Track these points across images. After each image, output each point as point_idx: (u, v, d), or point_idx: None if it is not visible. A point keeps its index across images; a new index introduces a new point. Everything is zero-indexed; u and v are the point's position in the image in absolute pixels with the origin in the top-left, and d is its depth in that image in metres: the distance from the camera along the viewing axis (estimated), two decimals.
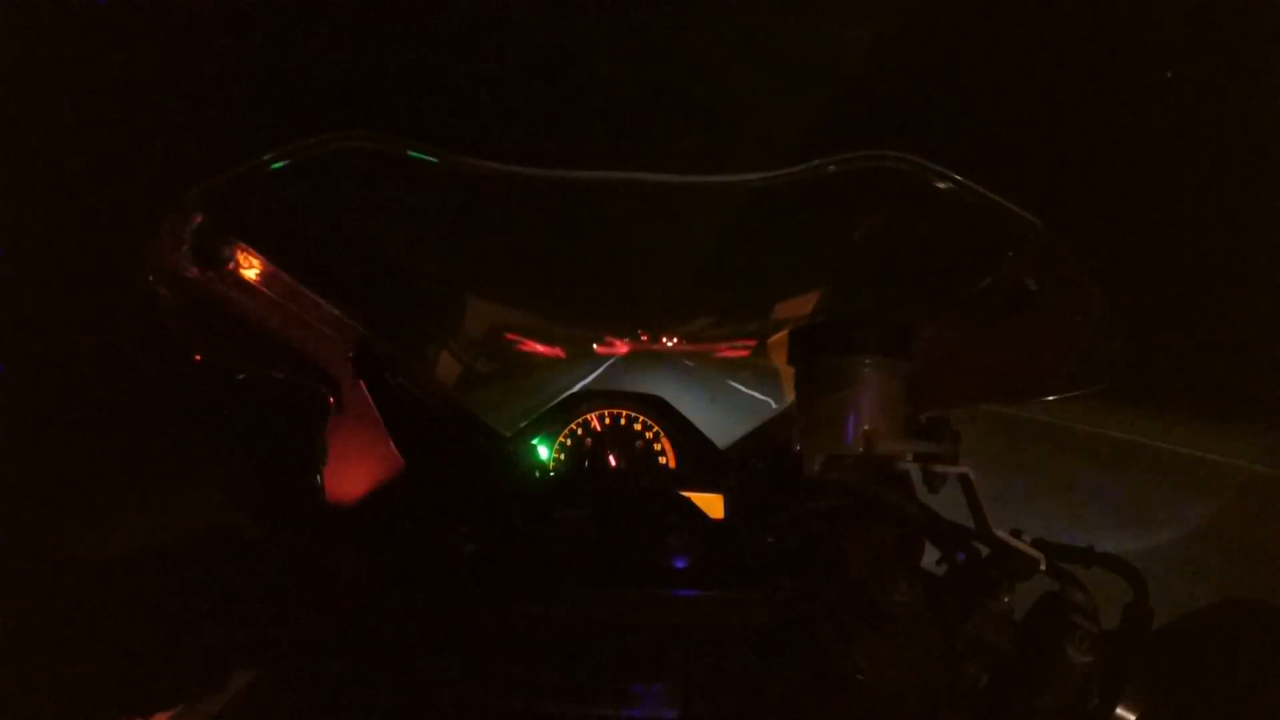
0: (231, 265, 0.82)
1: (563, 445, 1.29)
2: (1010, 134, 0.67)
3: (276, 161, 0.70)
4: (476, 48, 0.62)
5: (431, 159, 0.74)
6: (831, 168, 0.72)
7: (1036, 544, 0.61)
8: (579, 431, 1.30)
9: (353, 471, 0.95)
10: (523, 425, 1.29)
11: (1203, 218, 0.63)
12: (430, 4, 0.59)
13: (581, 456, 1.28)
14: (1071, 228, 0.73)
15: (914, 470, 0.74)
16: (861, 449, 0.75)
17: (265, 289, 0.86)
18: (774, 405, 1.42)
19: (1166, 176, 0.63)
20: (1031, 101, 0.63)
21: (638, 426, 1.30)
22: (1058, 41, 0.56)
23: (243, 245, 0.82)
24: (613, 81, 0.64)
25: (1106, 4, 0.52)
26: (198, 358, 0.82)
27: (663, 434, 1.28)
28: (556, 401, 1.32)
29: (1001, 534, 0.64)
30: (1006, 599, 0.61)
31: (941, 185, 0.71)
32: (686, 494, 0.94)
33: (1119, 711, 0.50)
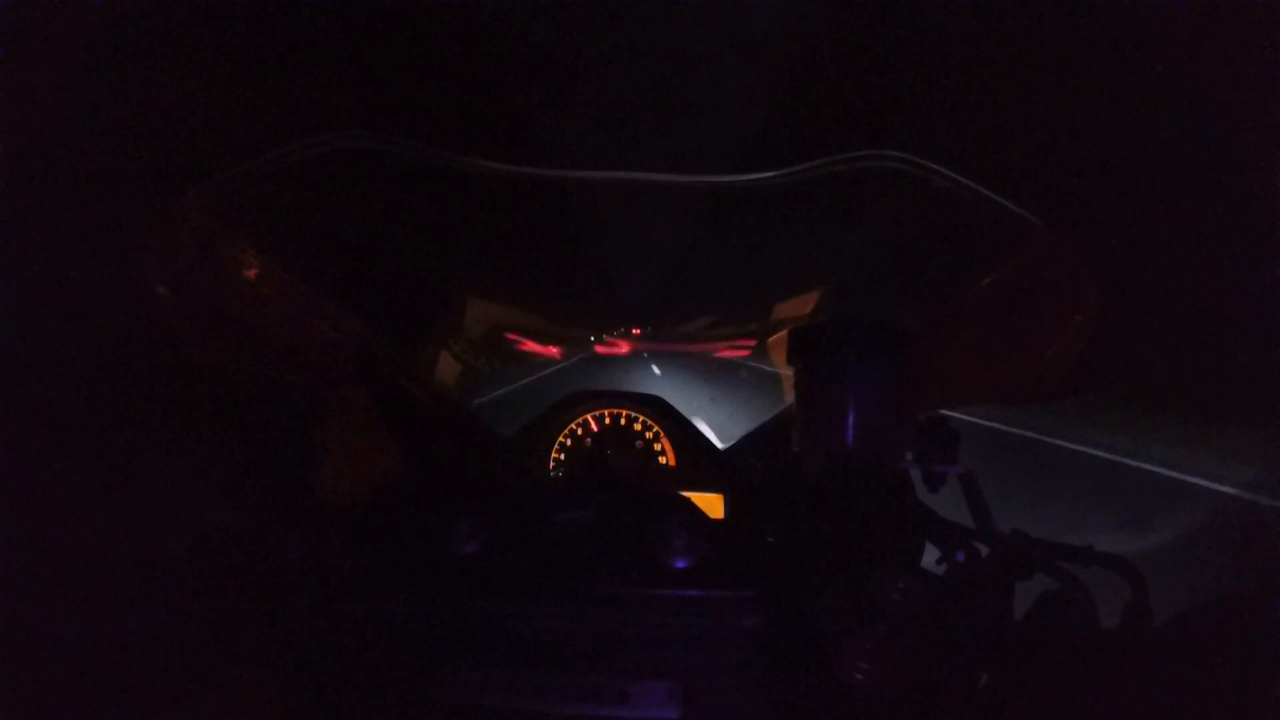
0: (231, 265, 0.82)
1: (563, 445, 1.29)
2: (1010, 134, 0.67)
3: (276, 161, 0.70)
4: (476, 47, 0.62)
5: (432, 159, 0.74)
6: (832, 167, 0.72)
7: (1036, 544, 0.61)
8: (579, 431, 1.30)
9: (353, 471, 0.95)
10: (523, 425, 1.29)
11: (1205, 219, 0.63)
12: (429, 4, 0.59)
13: (581, 456, 1.28)
14: (1071, 228, 0.73)
15: (914, 470, 0.74)
16: (861, 449, 0.75)
17: (265, 289, 0.86)
18: (774, 405, 1.42)
19: (1168, 177, 0.63)
20: (1033, 102, 0.63)
21: (637, 426, 1.30)
22: (1058, 41, 0.56)
23: (243, 245, 0.82)
24: (611, 79, 0.65)
25: (1109, 6, 0.52)
26: (198, 358, 0.82)
27: (663, 434, 1.28)
28: (556, 401, 1.31)
29: (1001, 533, 0.64)
30: (1006, 599, 0.61)
31: (942, 185, 0.71)
32: (686, 494, 0.94)
33: (1117, 710, 0.50)
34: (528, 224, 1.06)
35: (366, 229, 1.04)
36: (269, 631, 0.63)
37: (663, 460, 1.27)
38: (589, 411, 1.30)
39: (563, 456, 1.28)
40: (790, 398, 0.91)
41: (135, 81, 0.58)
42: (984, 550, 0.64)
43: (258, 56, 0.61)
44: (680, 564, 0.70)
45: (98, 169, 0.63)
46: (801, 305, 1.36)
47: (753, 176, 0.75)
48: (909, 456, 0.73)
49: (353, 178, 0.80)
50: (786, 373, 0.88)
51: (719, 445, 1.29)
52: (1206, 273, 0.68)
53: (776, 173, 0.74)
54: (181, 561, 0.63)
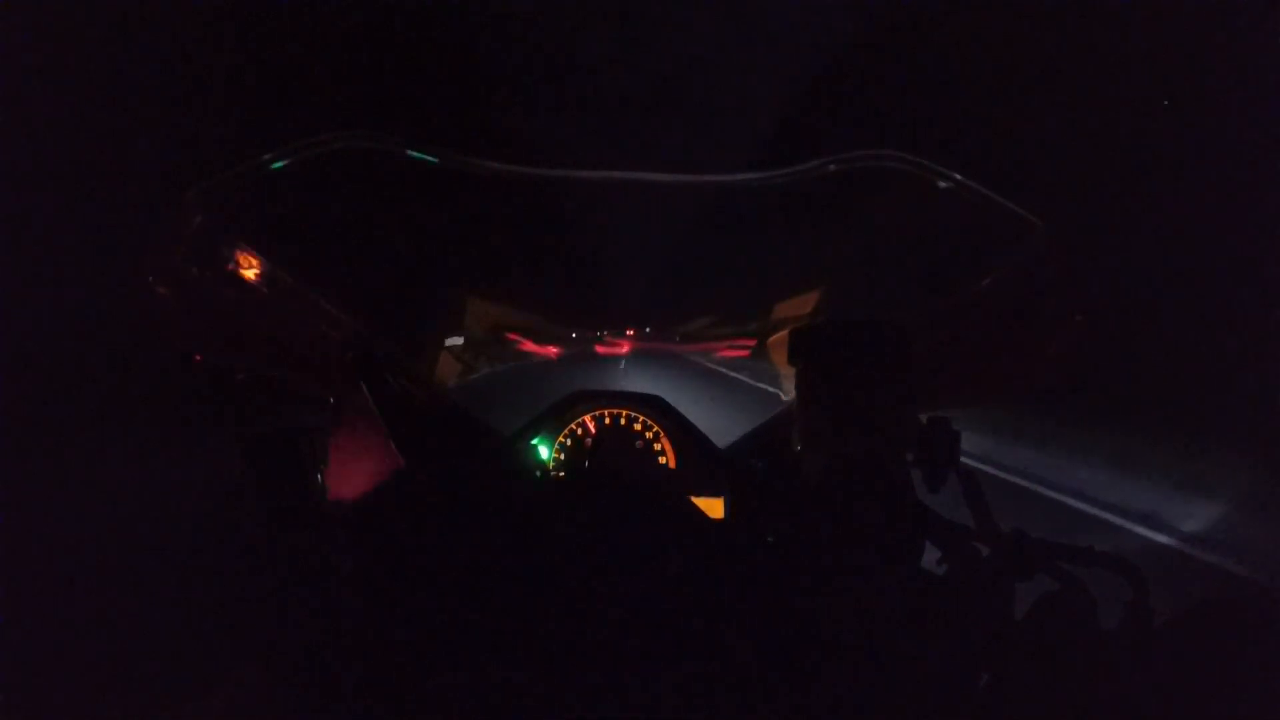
0: (231, 265, 0.82)
1: (562, 445, 1.29)
2: (1010, 134, 0.67)
3: (276, 161, 0.70)
4: (476, 48, 0.62)
5: (431, 159, 0.74)
6: (832, 167, 0.72)
7: (1036, 544, 0.61)
8: (579, 431, 1.30)
9: (353, 471, 0.95)
10: (522, 425, 1.29)
11: (1205, 219, 0.63)
12: (430, 5, 0.59)
13: (581, 456, 1.28)
14: (1071, 228, 0.73)
15: (914, 470, 0.74)
16: (861, 449, 0.75)
17: (265, 289, 0.86)
18: (774, 405, 1.42)
19: (1167, 177, 0.63)
20: (1033, 103, 0.63)
21: (637, 426, 1.30)
22: (1059, 43, 0.56)
23: (243, 245, 0.82)
24: (611, 79, 0.65)
25: (1110, 9, 0.52)
26: (198, 358, 0.82)
27: (663, 434, 1.28)
28: (556, 401, 1.31)
29: (1001, 533, 0.64)
30: (1006, 599, 0.61)
31: (942, 185, 0.71)
32: (687, 494, 0.94)
33: (1118, 710, 0.50)
34: (528, 224, 1.06)
35: (366, 229, 1.04)
36: (270, 631, 0.63)
37: (663, 460, 1.27)
38: (589, 412, 1.30)
39: (563, 457, 1.28)
40: (790, 398, 0.91)
41: (136, 82, 0.58)
42: (984, 550, 0.64)
43: (257, 57, 0.62)
44: (680, 565, 0.70)
45: (98, 169, 0.63)
46: (801, 305, 1.36)
47: (753, 176, 0.75)
48: (909, 456, 0.73)
49: (353, 178, 0.80)
50: (787, 373, 0.88)
51: (719, 445, 1.29)
52: (1206, 272, 0.68)
53: (777, 172, 0.74)
54: (183, 561, 0.63)
